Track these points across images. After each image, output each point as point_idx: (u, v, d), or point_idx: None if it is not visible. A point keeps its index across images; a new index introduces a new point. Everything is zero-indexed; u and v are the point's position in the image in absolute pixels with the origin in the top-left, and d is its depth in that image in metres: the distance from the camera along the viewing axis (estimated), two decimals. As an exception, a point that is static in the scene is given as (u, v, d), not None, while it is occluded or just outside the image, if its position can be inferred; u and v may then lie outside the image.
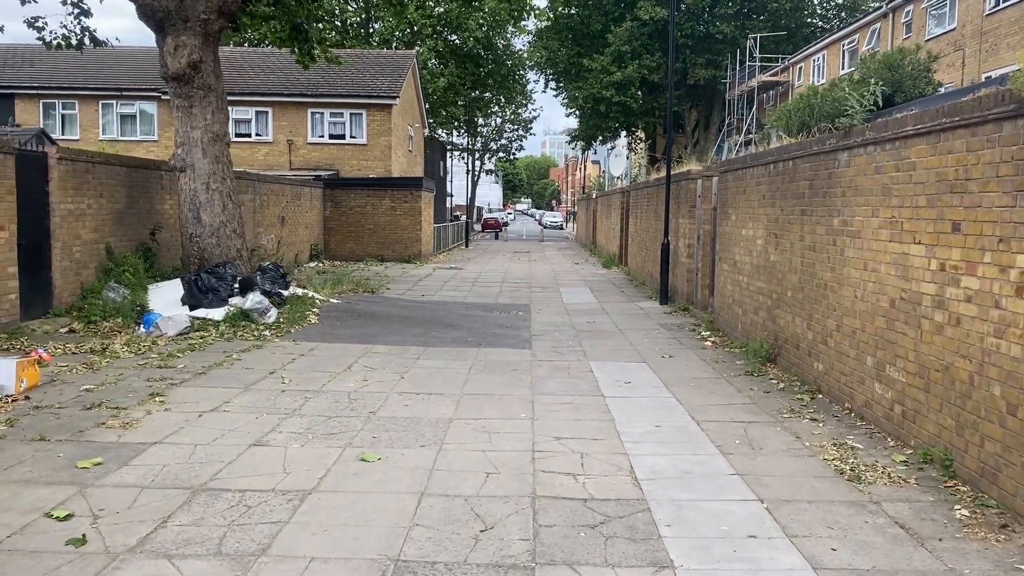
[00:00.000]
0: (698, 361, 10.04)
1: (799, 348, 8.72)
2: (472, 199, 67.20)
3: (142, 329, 10.93)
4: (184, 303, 12.08)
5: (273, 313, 11.91)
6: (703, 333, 12.11)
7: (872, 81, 8.36)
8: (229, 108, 30.87)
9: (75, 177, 11.87)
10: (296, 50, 17.68)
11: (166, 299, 12.34)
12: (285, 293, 13.10)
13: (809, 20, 47.04)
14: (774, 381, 8.77)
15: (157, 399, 7.47)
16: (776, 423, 7.07)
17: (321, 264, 24.53)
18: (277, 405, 7.42)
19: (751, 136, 40.96)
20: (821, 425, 6.99)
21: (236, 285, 12.67)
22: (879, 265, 6.79)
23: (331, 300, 13.97)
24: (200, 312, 11.74)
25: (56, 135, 29.56)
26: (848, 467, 5.82)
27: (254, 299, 11.71)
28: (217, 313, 11.66)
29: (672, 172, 15.79)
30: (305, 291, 13.68)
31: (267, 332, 11.29)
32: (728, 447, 6.33)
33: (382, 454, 5.99)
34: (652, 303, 16.21)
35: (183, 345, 10.25)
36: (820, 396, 7.98)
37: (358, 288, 16.77)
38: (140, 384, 8.07)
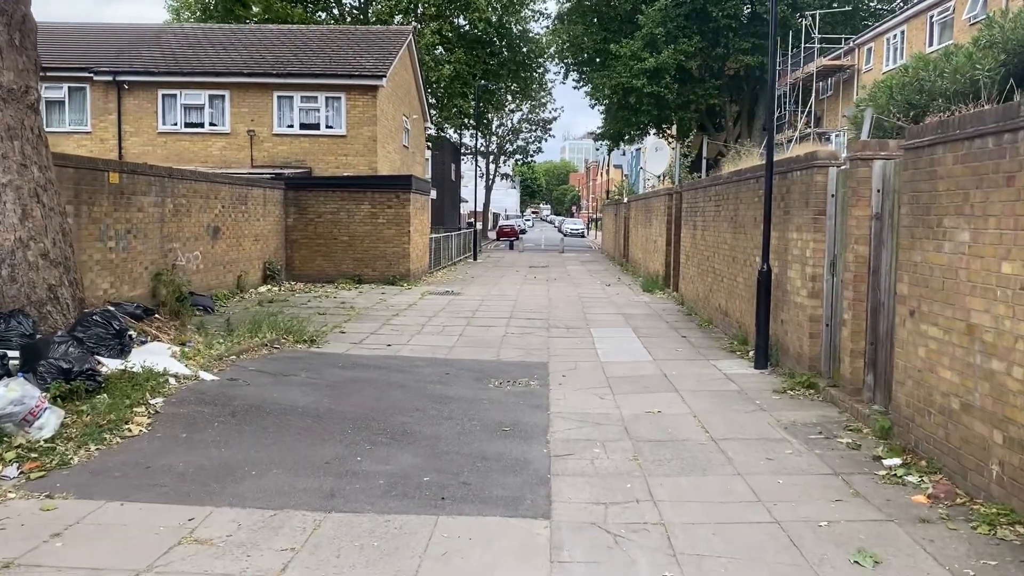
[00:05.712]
0: (949, 583, 4.18)
1: None
2: (486, 205, 61.33)
3: None
4: None
5: (50, 421, 6.15)
6: (887, 461, 6.16)
7: None
8: (177, 92, 25.35)
9: None
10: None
11: None
12: (108, 367, 7.33)
13: (869, 1, 41.01)
14: None
15: None
16: None
17: (277, 288, 18.82)
18: None
19: (809, 130, 35.00)
20: None
21: (15, 355, 6.99)
22: None
23: (201, 375, 8.07)
24: (-96, 419, 6.04)
25: (-32, 126, 24.08)
26: None
27: (5, 395, 5.96)
28: (-71, 424, 5.94)
29: (776, 158, 9.89)
30: (155, 362, 7.83)
31: (13, 469, 5.56)
32: None
33: None
34: (739, 363, 10.32)
35: None
36: None
37: (287, 335, 11.02)
38: None
